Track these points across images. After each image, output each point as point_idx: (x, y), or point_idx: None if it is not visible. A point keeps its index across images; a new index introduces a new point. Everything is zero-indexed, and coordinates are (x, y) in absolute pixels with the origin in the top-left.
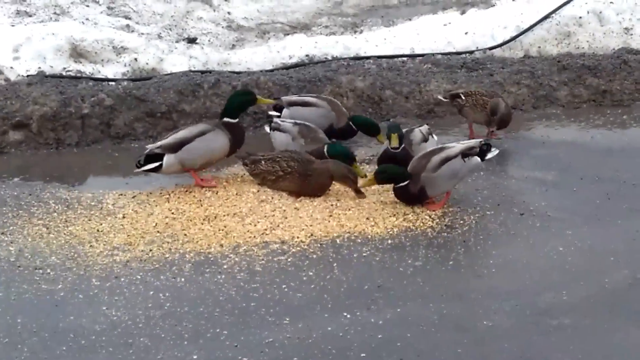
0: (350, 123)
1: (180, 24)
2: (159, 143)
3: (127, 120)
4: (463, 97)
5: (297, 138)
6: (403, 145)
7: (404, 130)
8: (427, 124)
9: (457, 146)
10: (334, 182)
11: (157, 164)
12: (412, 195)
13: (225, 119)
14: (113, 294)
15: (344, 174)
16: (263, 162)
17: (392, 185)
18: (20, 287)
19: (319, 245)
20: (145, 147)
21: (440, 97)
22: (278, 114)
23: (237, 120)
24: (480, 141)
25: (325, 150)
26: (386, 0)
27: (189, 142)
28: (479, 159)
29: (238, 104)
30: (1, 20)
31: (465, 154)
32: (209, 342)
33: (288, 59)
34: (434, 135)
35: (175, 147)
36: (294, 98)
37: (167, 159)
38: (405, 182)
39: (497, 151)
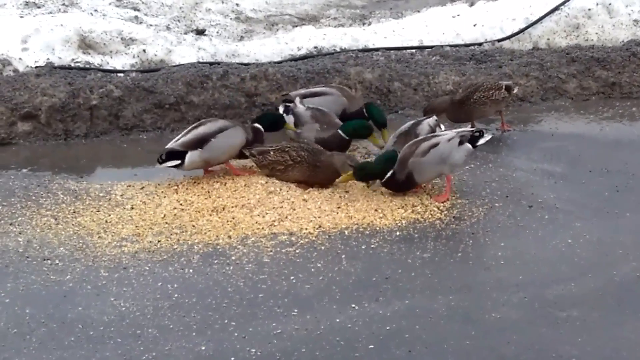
0: (364, 110)
1: (189, 15)
2: (180, 140)
3: (135, 112)
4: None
5: (309, 122)
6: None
7: (412, 122)
8: (435, 116)
9: (449, 133)
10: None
11: (179, 161)
12: (401, 183)
13: (257, 125)
14: (121, 285)
15: (344, 162)
16: (272, 152)
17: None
18: (29, 278)
19: (327, 236)
20: (162, 143)
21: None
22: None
23: (264, 131)
24: (473, 130)
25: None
26: None
27: (211, 138)
28: (470, 145)
29: (272, 123)
30: (10, 12)
31: (459, 140)
32: (217, 333)
33: (296, 50)
34: (441, 126)
35: (197, 144)
36: (303, 91)
37: (190, 155)
38: (388, 175)
39: (489, 136)
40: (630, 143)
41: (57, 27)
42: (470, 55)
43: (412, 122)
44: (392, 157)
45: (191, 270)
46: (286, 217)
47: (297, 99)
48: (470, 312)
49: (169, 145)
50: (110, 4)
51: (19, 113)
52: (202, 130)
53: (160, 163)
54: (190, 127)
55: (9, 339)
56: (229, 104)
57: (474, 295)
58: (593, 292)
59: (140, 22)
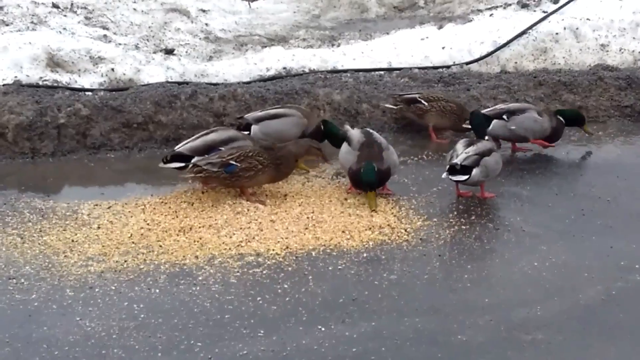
0: (322, 127)
1: (158, 35)
2: (188, 145)
3: (103, 131)
4: (425, 103)
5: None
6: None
7: (363, 132)
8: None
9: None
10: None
11: (182, 164)
12: (383, 177)
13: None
14: (87, 305)
15: (309, 146)
16: (235, 161)
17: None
18: None
19: (294, 257)
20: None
21: (388, 105)
22: (247, 132)
23: None
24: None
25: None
26: (364, 14)
27: (219, 147)
28: None
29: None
30: None
31: None
32: (182, 353)
33: (265, 71)
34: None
35: (204, 151)
36: (260, 114)
37: (195, 161)
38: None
39: None
40: (596, 167)
41: (25, 45)
42: (438, 77)
43: (362, 132)
44: (373, 166)
45: (157, 291)
46: (253, 238)
47: (254, 128)
48: (436, 334)
49: (177, 148)
50: (79, 22)
51: None
52: (211, 137)
53: (165, 163)
54: (200, 134)
55: None
56: (197, 124)
57: (440, 318)
58: (558, 315)
59: (109, 41)
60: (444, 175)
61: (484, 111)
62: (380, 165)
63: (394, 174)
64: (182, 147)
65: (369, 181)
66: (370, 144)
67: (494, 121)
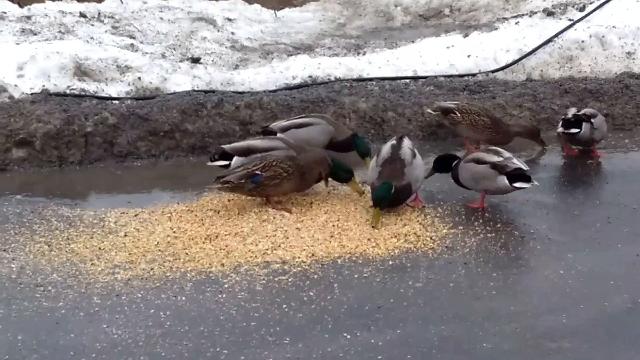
0: (352, 140)
1: (184, 43)
2: (232, 145)
3: (130, 139)
4: (458, 114)
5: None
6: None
7: (389, 147)
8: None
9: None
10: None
11: (227, 162)
12: (402, 195)
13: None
14: (114, 312)
15: (322, 158)
16: (260, 171)
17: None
18: (21, 305)
19: (320, 265)
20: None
21: (429, 110)
22: None
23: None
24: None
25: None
26: (389, 23)
27: (256, 152)
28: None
29: (337, 172)
30: (6, 39)
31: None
32: None
33: (291, 79)
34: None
35: (245, 152)
36: (285, 123)
37: (235, 161)
38: (392, 191)
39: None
40: (622, 174)
41: (53, 54)
42: (464, 85)
43: (390, 146)
44: (390, 185)
45: (184, 298)
46: (279, 246)
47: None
48: (462, 342)
49: (224, 146)
50: (106, 31)
51: (13, 139)
52: (256, 143)
53: (212, 161)
54: (252, 138)
55: None
56: (223, 132)
57: (466, 325)
58: (584, 323)
59: (136, 50)
60: (518, 184)
61: (569, 115)
62: (399, 182)
63: (417, 189)
64: (227, 145)
65: (378, 197)
66: (393, 160)
67: (584, 124)
